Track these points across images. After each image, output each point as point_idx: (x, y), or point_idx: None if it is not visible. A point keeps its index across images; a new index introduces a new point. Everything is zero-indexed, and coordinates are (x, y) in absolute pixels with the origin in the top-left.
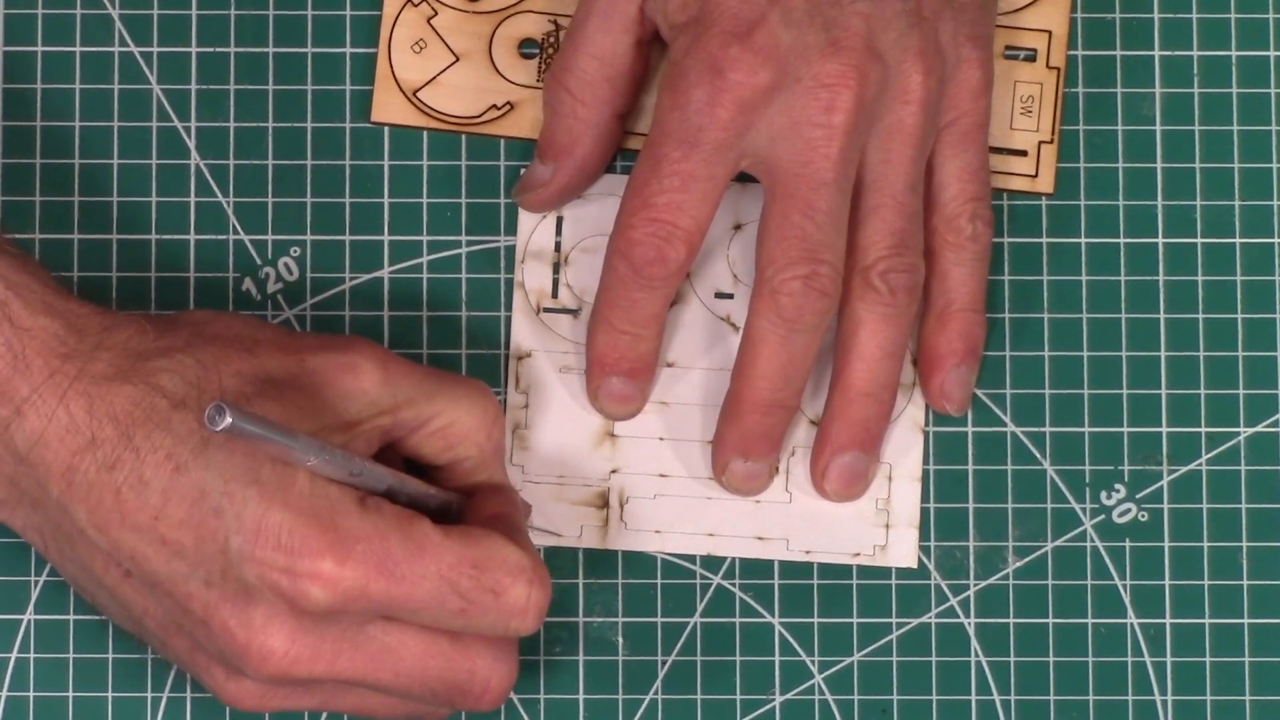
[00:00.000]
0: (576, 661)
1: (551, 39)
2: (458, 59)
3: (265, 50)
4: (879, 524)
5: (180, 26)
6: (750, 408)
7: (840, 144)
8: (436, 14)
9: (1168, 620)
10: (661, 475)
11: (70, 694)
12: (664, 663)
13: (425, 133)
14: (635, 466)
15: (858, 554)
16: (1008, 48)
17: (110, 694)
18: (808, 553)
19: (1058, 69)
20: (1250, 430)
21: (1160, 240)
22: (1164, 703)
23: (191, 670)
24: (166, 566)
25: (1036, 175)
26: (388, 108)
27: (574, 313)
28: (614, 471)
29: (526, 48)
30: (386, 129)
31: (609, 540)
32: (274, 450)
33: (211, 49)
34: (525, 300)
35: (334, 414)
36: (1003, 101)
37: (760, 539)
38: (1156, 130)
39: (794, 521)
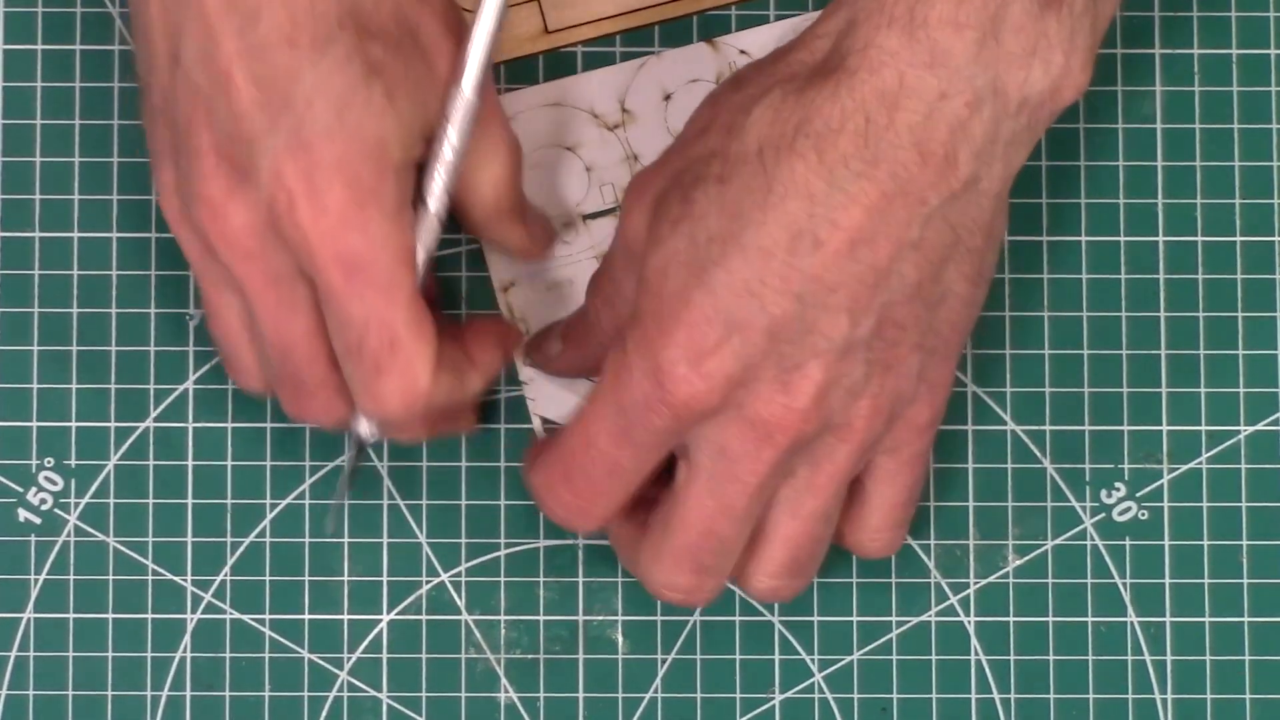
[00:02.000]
0: (576, 660)
1: None
2: None
3: None
4: None
5: None
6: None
7: (760, 479)
8: None
9: (1168, 619)
10: None
11: (70, 693)
12: (664, 661)
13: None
14: None
15: None
16: None
17: (110, 693)
18: None
19: None
20: (1250, 429)
21: (1160, 239)
22: (1164, 701)
23: (152, 157)
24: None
25: None
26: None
27: None
28: None
29: None
30: None
31: None
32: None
33: None
34: None
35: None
36: None
37: None
38: (1157, 129)
39: None
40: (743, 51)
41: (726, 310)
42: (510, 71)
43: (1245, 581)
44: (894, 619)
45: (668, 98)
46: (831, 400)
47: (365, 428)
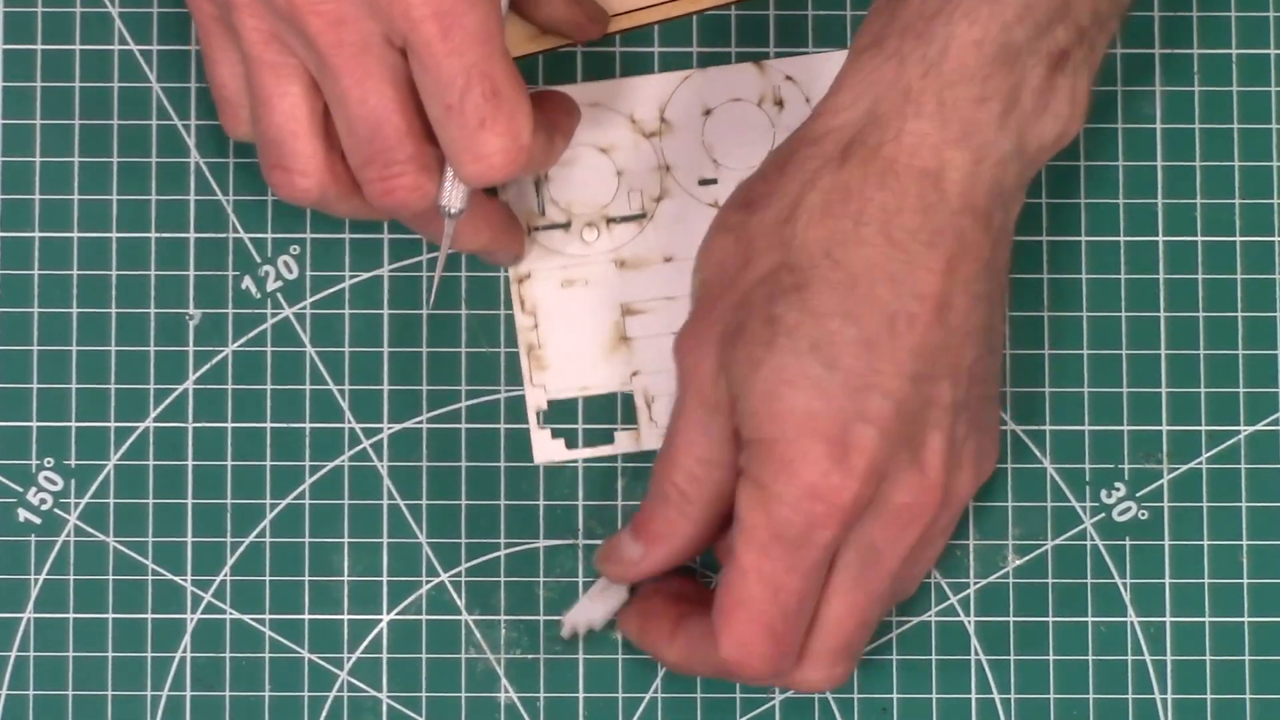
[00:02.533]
0: (576, 660)
1: None
2: None
3: None
4: None
5: (180, 25)
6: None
7: (897, 567)
8: None
9: (1168, 618)
10: None
11: (70, 693)
12: None
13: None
14: (654, 365)
15: None
16: None
17: (110, 693)
18: None
19: None
20: (1250, 429)
21: (1160, 238)
22: (1164, 701)
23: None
24: None
25: None
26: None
27: (564, 226)
28: (635, 374)
29: None
30: None
31: (644, 442)
32: None
33: None
34: None
35: None
36: None
37: None
38: (1157, 129)
39: None
40: (789, 77)
41: (854, 409)
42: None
43: (1245, 581)
44: (894, 619)
45: (708, 113)
46: (950, 469)
47: (455, 196)
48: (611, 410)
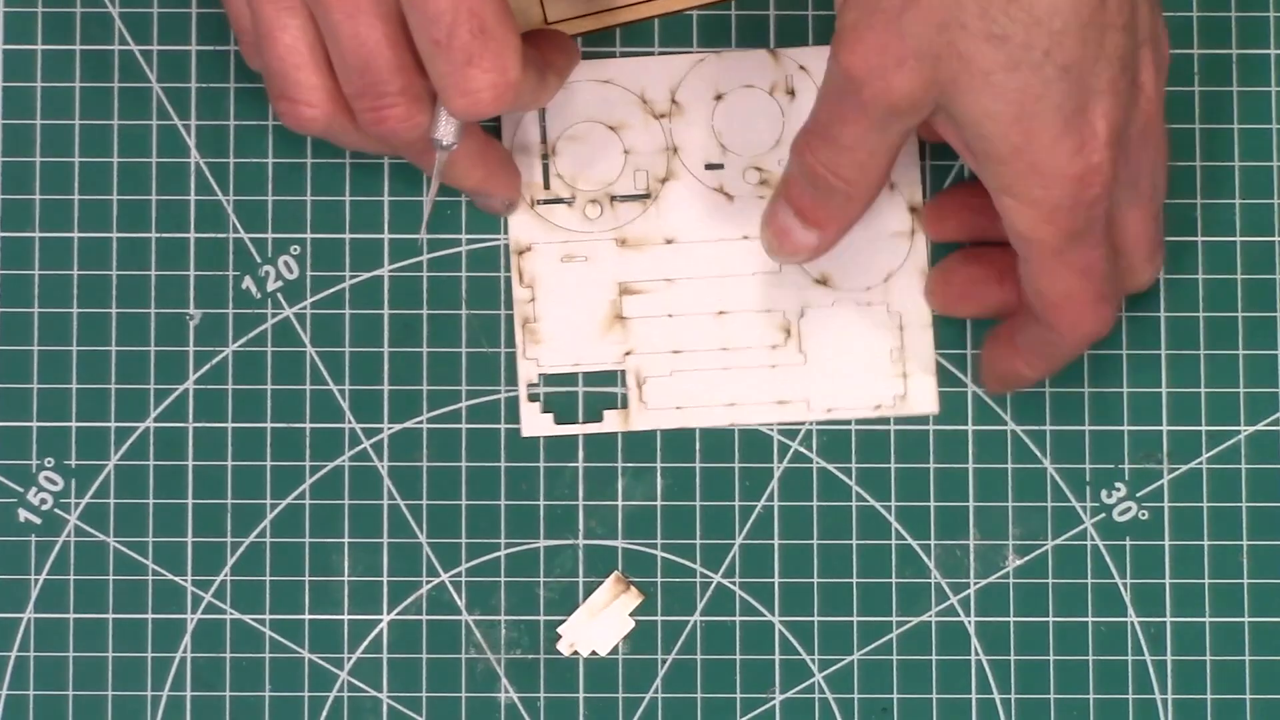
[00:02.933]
0: (576, 660)
1: None
2: None
3: None
4: (896, 374)
5: (180, 25)
6: None
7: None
8: None
9: (1168, 619)
10: (675, 352)
11: (70, 693)
12: (664, 662)
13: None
14: (648, 346)
15: (879, 405)
16: None
17: (110, 693)
18: (829, 411)
19: None
20: (1251, 429)
21: None
22: (1164, 701)
23: None
24: None
25: None
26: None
27: (568, 201)
28: (628, 353)
29: None
30: None
31: (632, 422)
32: None
33: (211, 47)
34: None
35: None
36: None
37: (781, 403)
38: None
39: (812, 381)
40: (802, 67)
41: (1083, 91)
42: None
43: (1245, 581)
44: (894, 619)
45: (719, 98)
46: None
47: (446, 129)
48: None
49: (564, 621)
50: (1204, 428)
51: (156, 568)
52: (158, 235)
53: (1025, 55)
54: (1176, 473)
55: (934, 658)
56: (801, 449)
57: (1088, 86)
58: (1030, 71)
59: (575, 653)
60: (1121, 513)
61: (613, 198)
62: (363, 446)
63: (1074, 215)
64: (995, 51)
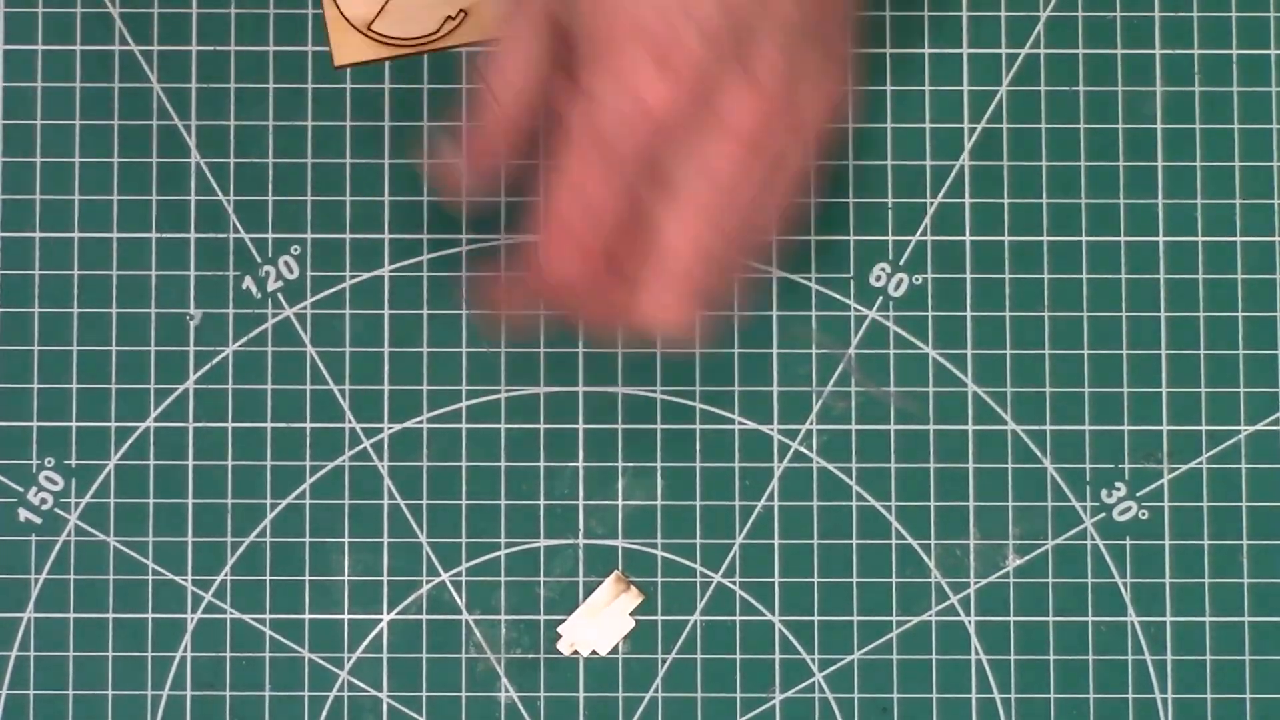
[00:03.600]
0: (576, 660)
1: None
2: None
3: (265, 49)
4: None
5: (180, 25)
6: None
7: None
8: None
9: (1168, 618)
10: None
11: (70, 693)
12: (664, 661)
13: (426, 126)
14: None
15: None
16: None
17: (110, 693)
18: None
19: None
20: (1251, 429)
21: (1161, 239)
22: (1164, 701)
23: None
24: None
25: None
26: (345, 48)
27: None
28: None
29: None
30: (386, 127)
31: None
32: None
33: (211, 48)
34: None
35: None
36: None
37: None
38: (1157, 129)
39: None
40: None
41: (679, 11)
42: None
43: (1245, 581)
44: (894, 619)
45: None
46: (790, 85)
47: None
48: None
49: (564, 621)
50: (1204, 428)
51: (156, 568)
52: (158, 235)
53: None
54: (1176, 473)
55: (934, 657)
56: (801, 449)
57: (684, 7)
58: None
59: (575, 652)
60: (1121, 512)
61: None
62: (363, 446)
63: (607, 121)
64: None
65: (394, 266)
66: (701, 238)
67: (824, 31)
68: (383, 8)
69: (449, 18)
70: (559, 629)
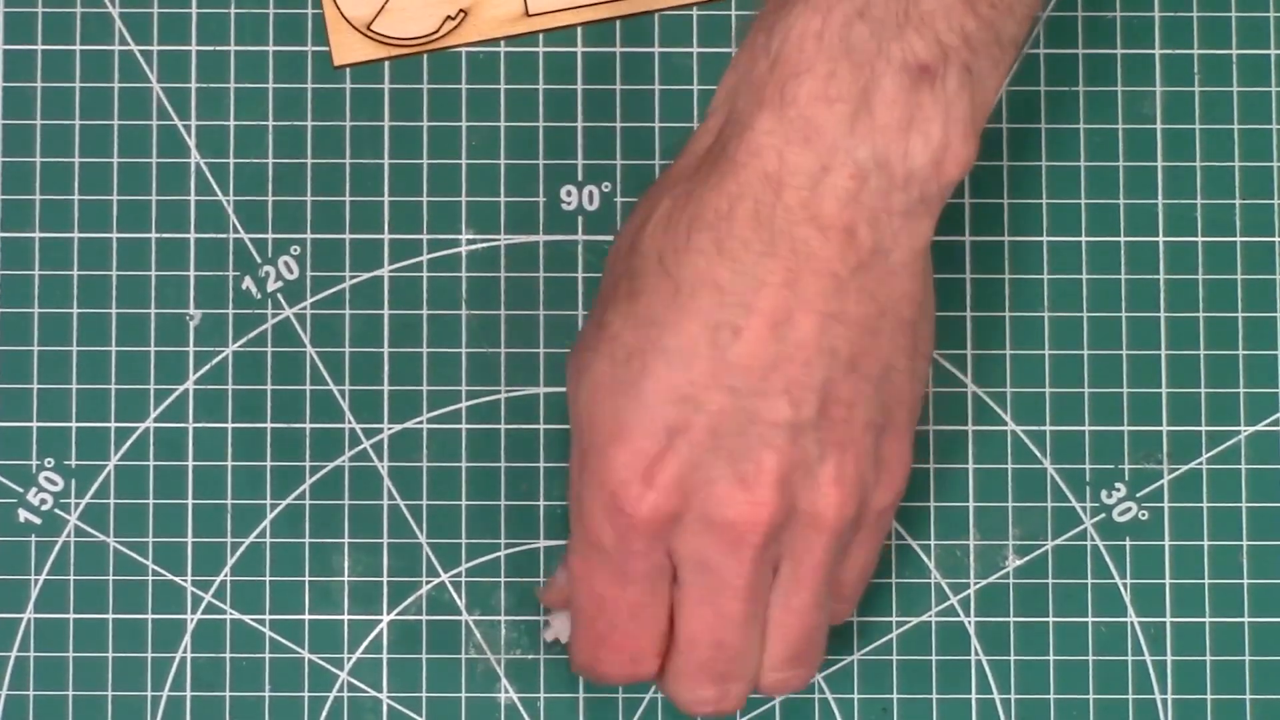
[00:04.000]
0: None
1: None
2: None
3: (265, 49)
4: None
5: (180, 25)
6: None
7: (748, 580)
8: None
9: (1168, 619)
10: None
11: (70, 693)
12: None
13: (426, 127)
14: None
15: None
16: None
17: (110, 693)
18: None
19: None
20: (1251, 429)
21: (1160, 239)
22: (1164, 701)
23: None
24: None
25: None
26: (345, 48)
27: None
28: None
29: None
30: (386, 127)
31: None
32: None
33: (211, 48)
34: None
35: None
36: None
37: None
38: (1157, 129)
39: None
40: None
41: (663, 419)
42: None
43: (1245, 581)
44: (894, 619)
45: None
46: (793, 487)
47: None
48: None
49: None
50: (1204, 428)
51: (156, 568)
52: (158, 235)
53: (610, 348)
54: (1176, 473)
55: (934, 658)
56: None
57: (668, 416)
58: (609, 363)
59: (556, 640)
60: (1121, 513)
61: None
62: (363, 447)
63: (601, 527)
64: (593, 334)
65: (394, 266)
66: (715, 630)
67: (851, 435)
68: (383, 8)
69: (449, 18)
70: (548, 618)
